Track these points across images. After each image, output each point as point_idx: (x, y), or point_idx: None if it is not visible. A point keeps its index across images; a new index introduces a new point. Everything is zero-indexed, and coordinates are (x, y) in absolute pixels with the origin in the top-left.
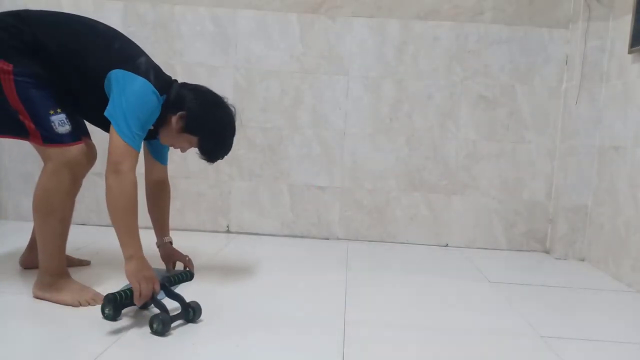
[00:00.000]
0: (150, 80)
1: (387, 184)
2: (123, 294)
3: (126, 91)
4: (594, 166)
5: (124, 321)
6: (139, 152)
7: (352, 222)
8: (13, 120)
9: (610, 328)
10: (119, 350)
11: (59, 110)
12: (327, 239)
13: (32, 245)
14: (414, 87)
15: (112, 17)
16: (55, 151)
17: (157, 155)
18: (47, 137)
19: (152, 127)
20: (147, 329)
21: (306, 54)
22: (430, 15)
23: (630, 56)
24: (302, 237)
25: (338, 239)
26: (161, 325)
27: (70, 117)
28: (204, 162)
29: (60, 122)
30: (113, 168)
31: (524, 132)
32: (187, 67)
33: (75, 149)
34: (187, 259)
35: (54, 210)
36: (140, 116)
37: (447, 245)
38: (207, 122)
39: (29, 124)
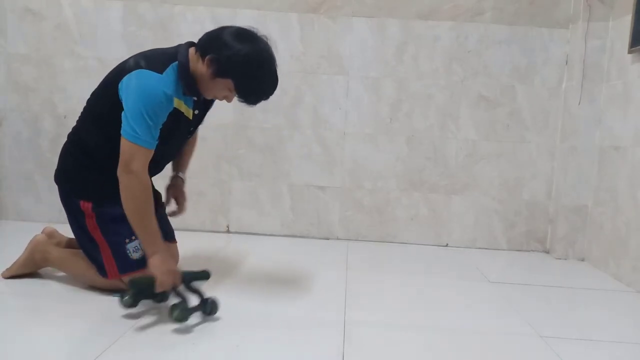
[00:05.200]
0: (142, 67)
1: (387, 184)
2: (145, 280)
3: (128, 94)
4: (594, 166)
5: (125, 321)
6: (149, 149)
7: (352, 222)
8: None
9: (610, 328)
10: (118, 350)
11: (133, 238)
12: (327, 239)
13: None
14: (414, 87)
15: (112, 17)
16: (126, 279)
17: None
18: (122, 267)
19: (195, 99)
20: (147, 330)
21: (306, 53)
22: (430, 15)
23: (630, 56)
24: (302, 237)
25: (338, 239)
26: (181, 313)
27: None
28: (203, 161)
29: (134, 248)
30: (124, 168)
31: (524, 132)
32: None
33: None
34: (184, 204)
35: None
36: (145, 109)
37: (447, 245)
38: (236, 61)
39: (107, 257)
